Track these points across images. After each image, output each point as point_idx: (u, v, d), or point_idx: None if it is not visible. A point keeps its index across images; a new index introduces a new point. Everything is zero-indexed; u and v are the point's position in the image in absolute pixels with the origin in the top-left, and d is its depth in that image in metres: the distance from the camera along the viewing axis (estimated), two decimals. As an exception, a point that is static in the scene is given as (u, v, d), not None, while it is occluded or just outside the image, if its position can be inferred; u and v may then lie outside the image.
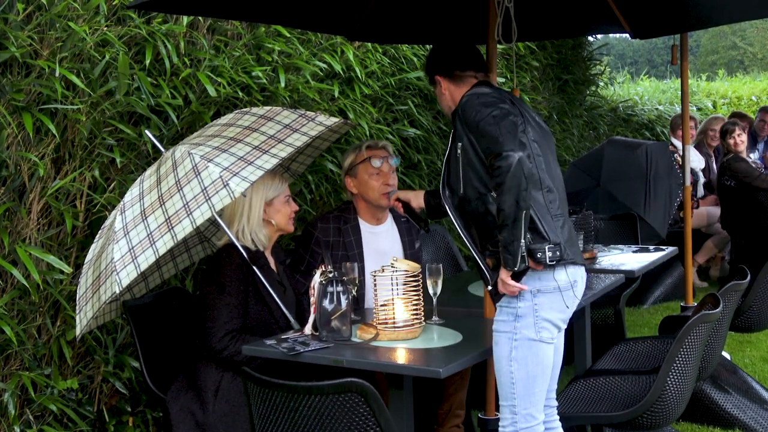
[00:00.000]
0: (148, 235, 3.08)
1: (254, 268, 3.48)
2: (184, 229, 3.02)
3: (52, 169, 3.81)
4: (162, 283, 3.93)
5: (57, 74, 3.65)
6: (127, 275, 3.02)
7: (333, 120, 3.61)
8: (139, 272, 3.02)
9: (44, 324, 3.73)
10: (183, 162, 3.24)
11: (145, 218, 3.15)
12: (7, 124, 3.55)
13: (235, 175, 3.08)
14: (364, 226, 4.04)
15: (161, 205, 3.14)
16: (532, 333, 3.02)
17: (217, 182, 3.06)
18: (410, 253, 4.10)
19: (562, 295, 3.05)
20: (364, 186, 3.99)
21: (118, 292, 3.04)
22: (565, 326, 3.17)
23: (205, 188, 3.07)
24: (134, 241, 3.09)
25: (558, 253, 2.96)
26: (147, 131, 3.72)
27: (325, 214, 4.09)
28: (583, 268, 3.16)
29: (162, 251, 3.03)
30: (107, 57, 3.90)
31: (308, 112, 3.60)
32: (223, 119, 3.64)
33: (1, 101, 3.57)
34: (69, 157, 3.86)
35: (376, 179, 3.96)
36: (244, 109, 3.69)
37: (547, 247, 2.94)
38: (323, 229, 3.94)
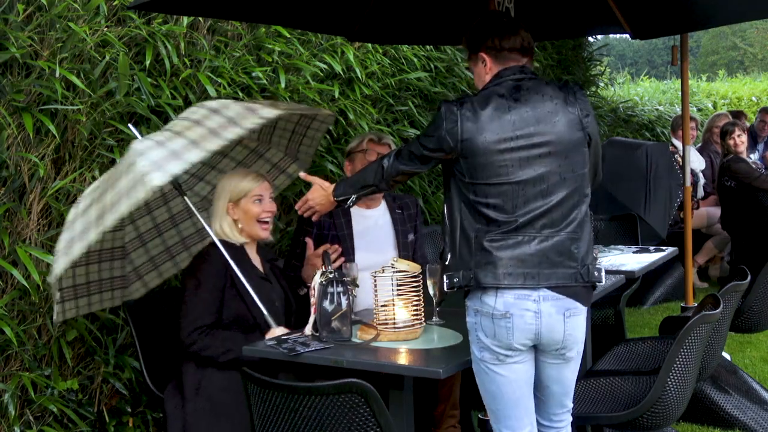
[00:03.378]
0: (83, 230, 3.11)
1: (231, 262, 3.46)
2: (109, 220, 2.99)
3: (52, 170, 3.81)
4: (162, 284, 3.93)
5: (57, 75, 3.65)
6: (59, 267, 3.11)
7: (275, 112, 3.35)
8: (69, 262, 3.08)
9: (44, 324, 3.73)
10: (130, 153, 3.21)
11: (87, 211, 3.18)
12: (7, 125, 3.55)
13: (159, 169, 2.99)
14: (355, 210, 4.07)
15: (100, 199, 3.15)
16: (476, 351, 2.92)
17: (141, 177, 3.00)
18: (402, 243, 4.13)
19: (494, 324, 2.84)
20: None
21: (53, 281, 3.15)
22: (517, 358, 2.88)
23: (136, 180, 3.02)
24: (76, 232, 3.13)
25: (457, 280, 2.83)
26: (129, 124, 3.65)
27: None
28: (536, 296, 2.81)
29: (92, 241, 3.03)
30: (107, 57, 3.90)
31: (255, 105, 3.38)
32: (186, 112, 3.45)
33: (1, 102, 3.57)
34: (69, 157, 3.87)
35: None
36: (200, 103, 3.48)
37: (453, 273, 2.85)
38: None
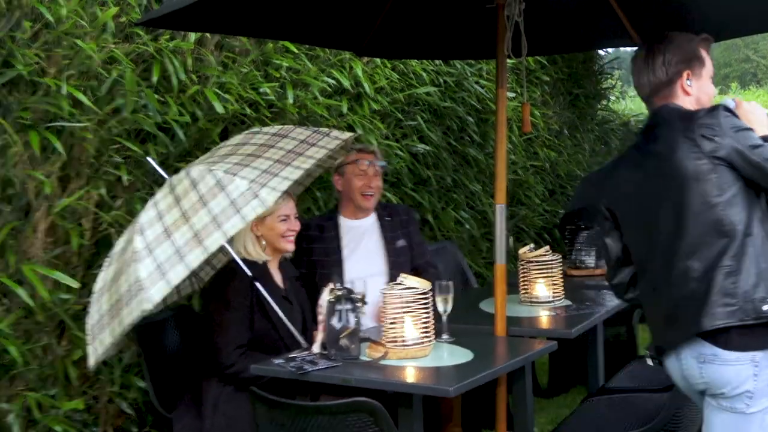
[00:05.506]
0: (176, 251, 3.09)
1: (256, 283, 3.47)
2: (215, 241, 3.06)
3: (59, 188, 3.82)
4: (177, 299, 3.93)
5: (64, 92, 3.66)
6: (158, 291, 3.03)
7: (347, 134, 3.64)
8: (171, 287, 3.03)
9: (49, 344, 3.73)
10: (203, 179, 3.26)
11: (170, 236, 3.16)
12: (14, 143, 3.56)
13: (264, 186, 3.14)
14: (344, 221, 4.23)
15: (186, 222, 3.15)
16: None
17: (246, 193, 3.11)
18: (390, 249, 4.20)
19: None
20: (348, 185, 4.19)
21: (150, 308, 3.02)
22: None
23: (234, 201, 3.11)
24: (161, 258, 3.10)
25: None
26: (149, 158, 3.70)
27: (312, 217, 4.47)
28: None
29: (194, 265, 3.04)
30: (114, 74, 3.91)
31: (321, 128, 3.62)
32: (234, 140, 3.65)
33: (7, 119, 3.58)
34: (75, 175, 3.87)
35: (359, 179, 4.16)
36: (255, 129, 3.70)
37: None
38: (305, 224, 4.04)
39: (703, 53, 2.87)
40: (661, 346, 2.77)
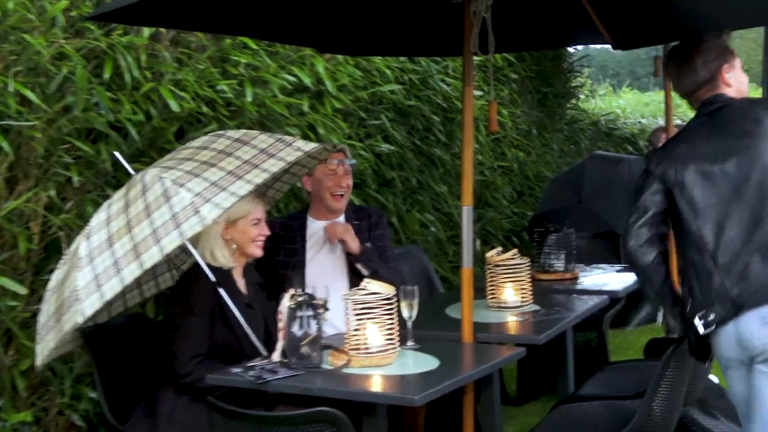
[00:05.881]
0: (114, 263, 3.06)
1: (219, 289, 3.44)
2: (152, 257, 3.01)
3: (5, 189, 3.77)
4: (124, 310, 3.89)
5: (11, 89, 3.61)
6: (90, 305, 3.01)
7: (312, 145, 3.58)
8: (103, 302, 3.00)
9: (-4, 353, 3.68)
10: (153, 186, 3.22)
11: (112, 245, 3.13)
12: (-43, 142, 3.51)
13: (207, 201, 3.08)
14: (312, 222, 4.25)
15: (128, 232, 3.12)
16: None
17: (188, 208, 3.05)
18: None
19: None
20: (318, 185, 4.20)
21: (80, 322, 3.01)
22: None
23: (175, 215, 3.07)
24: (99, 269, 3.07)
25: None
26: (116, 153, 3.67)
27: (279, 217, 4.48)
28: None
29: (128, 280, 3.01)
30: (64, 71, 3.87)
31: (286, 137, 3.57)
32: (196, 142, 3.61)
33: (-50, 118, 3.54)
34: (23, 176, 3.82)
35: (330, 179, 4.18)
36: (219, 132, 3.67)
37: None
38: (271, 224, 4.05)
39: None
40: (721, 308, 3.01)
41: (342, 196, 4.20)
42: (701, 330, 3.04)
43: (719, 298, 2.99)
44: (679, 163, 3.14)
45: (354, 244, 4.09)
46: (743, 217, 3.01)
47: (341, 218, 4.27)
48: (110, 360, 3.67)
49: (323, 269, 4.14)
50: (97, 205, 3.63)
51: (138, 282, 3.79)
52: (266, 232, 3.66)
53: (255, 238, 3.62)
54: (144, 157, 4.15)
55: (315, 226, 4.24)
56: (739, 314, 2.96)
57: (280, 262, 4.15)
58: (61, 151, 3.89)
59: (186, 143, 3.73)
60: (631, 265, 3.28)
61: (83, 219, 3.71)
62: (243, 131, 3.61)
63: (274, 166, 3.36)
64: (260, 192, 4.06)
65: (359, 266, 4.10)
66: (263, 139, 3.49)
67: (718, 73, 3.22)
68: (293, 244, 4.18)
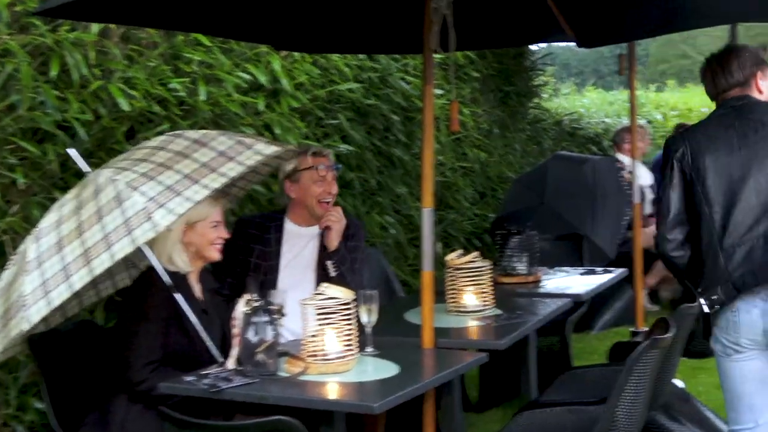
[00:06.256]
0: (63, 268, 3.03)
1: (175, 294, 3.43)
2: (102, 263, 2.98)
3: (-53, 192, 3.73)
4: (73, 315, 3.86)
5: (-48, 87, 3.58)
6: (37, 311, 2.98)
7: (273, 148, 3.55)
8: (50, 309, 2.97)
9: (-63, 363, 3.64)
10: (106, 188, 3.19)
11: (62, 249, 3.10)
12: None
13: (161, 206, 3.06)
14: (290, 226, 4.21)
15: (79, 236, 3.09)
16: None
17: (140, 214, 3.03)
18: (323, 263, 4.17)
19: None
20: (304, 192, 4.15)
21: (26, 329, 2.98)
22: None
23: (128, 220, 3.04)
24: (48, 274, 3.04)
25: None
26: (71, 150, 3.63)
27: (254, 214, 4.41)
28: None
29: (77, 287, 2.98)
30: (9, 68, 3.84)
31: (247, 139, 3.54)
32: (153, 142, 3.58)
33: None
34: (-34, 178, 3.79)
35: (319, 186, 4.14)
36: (177, 132, 3.64)
37: None
38: (246, 221, 4.10)
39: None
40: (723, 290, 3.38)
41: (328, 203, 4.16)
42: (705, 309, 3.40)
43: (722, 281, 3.35)
44: (697, 149, 3.45)
45: (336, 240, 4.10)
46: (751, 203, 3.34)
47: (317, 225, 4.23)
48: (58, 368, 3.63)
49: (294, 276, 4.12)
50: (43, 208, 3.60)
51: (94, 282, 3.77)
52: (225, 234, 3.64)
53: (214, 240, 3.60)
54: (93, 158, 4.12)
55: (293, 231, 4.21)
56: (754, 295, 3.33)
57: (252, 264, 4.13)
58: (5, 152, 3.86)
59: (140, 143, 3.71)
60: (667, 266, 3.64)
61: (29, 222, 3.68)
62: (202, 132, 3.59)
63: (233, 170, 3.34)
64: (222, 192, 4.05)
65: (329, 264, 4.10)
66: (222, 141, 3.46)
67: (752, 78, 3.54)
68: (267, 246, 4.15)
